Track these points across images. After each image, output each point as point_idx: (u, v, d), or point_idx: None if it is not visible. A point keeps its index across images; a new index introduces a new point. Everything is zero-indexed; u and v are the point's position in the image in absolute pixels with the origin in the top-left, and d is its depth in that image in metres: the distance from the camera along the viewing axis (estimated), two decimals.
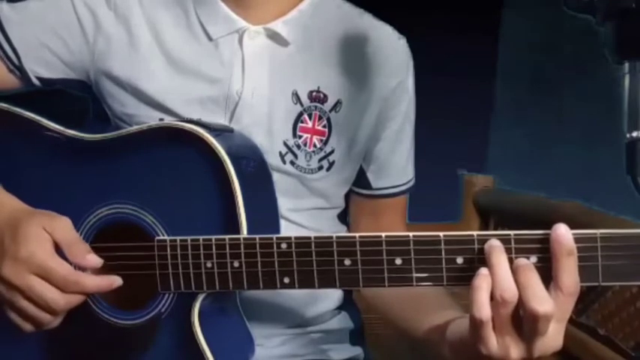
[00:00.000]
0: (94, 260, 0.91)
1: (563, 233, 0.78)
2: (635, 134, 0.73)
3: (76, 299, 0.91)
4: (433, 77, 1.76)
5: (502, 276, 0.78)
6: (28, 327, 0.92)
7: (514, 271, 0.78)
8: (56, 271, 0.89)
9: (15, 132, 1.01)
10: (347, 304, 1.18)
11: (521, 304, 0.78)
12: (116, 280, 0.92)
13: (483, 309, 0.78)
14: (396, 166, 1.16)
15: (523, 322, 0.79)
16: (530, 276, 0.78)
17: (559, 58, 3.24)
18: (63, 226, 0.92)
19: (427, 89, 1.19)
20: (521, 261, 0.79)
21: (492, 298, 0.79)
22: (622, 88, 0.75)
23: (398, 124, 1.14)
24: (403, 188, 1.18)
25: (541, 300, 0.77)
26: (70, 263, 0.91)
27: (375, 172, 1.15)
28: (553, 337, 0.80)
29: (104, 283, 0.92)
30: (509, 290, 0.78)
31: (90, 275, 0.91)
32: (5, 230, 0.90)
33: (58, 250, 0.91)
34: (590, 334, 1.33)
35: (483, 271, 0.79)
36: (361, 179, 1.16)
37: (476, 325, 0.79)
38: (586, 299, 1.34)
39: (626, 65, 0.74)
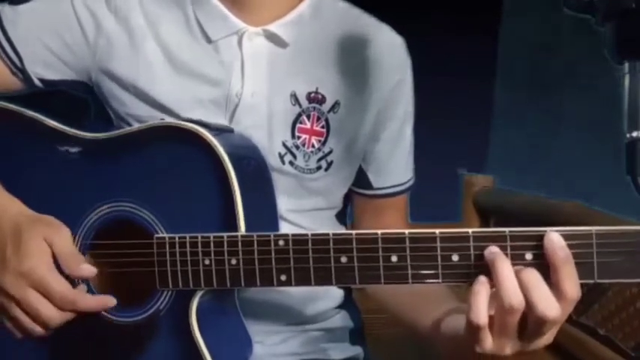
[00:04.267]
0: (89, 270, 0.93)
1: (557, 241, 0.78)
2: (635, 134, 0.73)
3: (70, 315, 0.93)
4: (433, 77, 1.76)
5: (509, 283, 0.78)
6: (19, 335, 0.95)
7: (517, 275, 0.78)
8: (54, 289, 0.91)
9: (17, 130, 1.02)
10: (347, 304, 1.18)
11: (527, 308, 0.77)
12: (110, 301, 0.93)
13: (481, 314, 0.78)
14: (396, 165, 1.16)
15: (528, 325, 0.79)
16: (535, 279, 0.78)
17: (559, 58, 3.24)
18: (62, 238, 0.93)
19: (427, 89, 1.19)
20: (524, 267, 0.79)
21: (497, 303, 0.78)
22: (622, 88, 0.74)
23: (397, 124, 1.14)
24: (403, 187, 1.18)
25: (550, 305, 0.77)
26: (66, 276, 0.92)
27: (374, 172, 1.15)
28: (548, 336, 0.81)
29: (99, 304, 0.93)
30: (516, 298, 0.77)
31: (85, 295, 0.93)
32: (8, 240, 0.92)
33: (56, 261, 0.92)
34: (590, 334, 1.32)
35: (482, 277, 0.79)
36: (362, 179, 1.16)
37: (472, 328, 0.79)
38: (586, 299, 1.33)
39: (626, 65, 0.74)
